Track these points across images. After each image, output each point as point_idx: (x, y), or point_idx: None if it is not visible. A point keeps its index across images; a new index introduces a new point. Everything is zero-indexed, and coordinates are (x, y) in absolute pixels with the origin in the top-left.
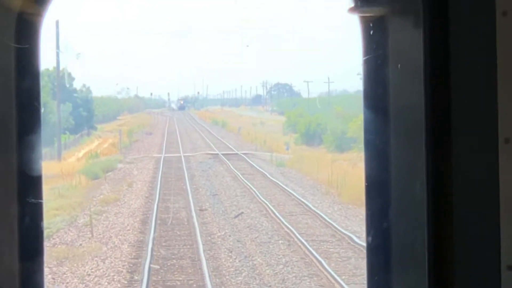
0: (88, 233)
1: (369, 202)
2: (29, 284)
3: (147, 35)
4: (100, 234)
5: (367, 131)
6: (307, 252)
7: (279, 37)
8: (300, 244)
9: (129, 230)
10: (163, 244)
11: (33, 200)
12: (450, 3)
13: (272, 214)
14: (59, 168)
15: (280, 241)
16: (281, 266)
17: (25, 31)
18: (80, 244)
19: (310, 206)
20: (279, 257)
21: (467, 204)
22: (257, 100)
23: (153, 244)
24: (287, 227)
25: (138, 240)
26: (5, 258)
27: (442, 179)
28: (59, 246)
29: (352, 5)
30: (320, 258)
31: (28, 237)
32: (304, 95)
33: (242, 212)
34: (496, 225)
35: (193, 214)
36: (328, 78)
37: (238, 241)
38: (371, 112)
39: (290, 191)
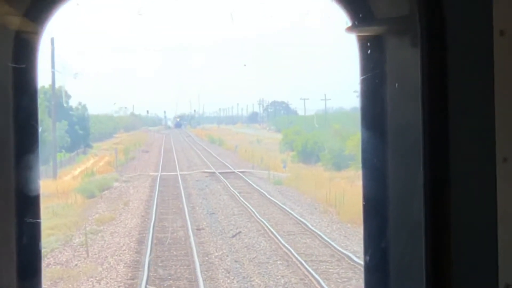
0: (84, 253)
1: (367, 221)
2: None
3: (144, 52)
4: (95, 254)
5: (364, 150)
6: (306, 272)
7: (275, 55)
8: (299, 264)
9: (125, 250)
10: (160, 264)
11: (31, 219)
12: (447, 22)
13: (270, 234)
14: (54, 186)
15: (278, 262)
16: None
17: (22, 50)
18: (76, 264)
19: (309, 225)
20: (277, 278)
21: (464, 223)
22: (253, 117)
23: (149, 264)
24: (286, 247)
25: (134, 260)
26: (3, 277)
27: (440, 199)
28: (54, 266)
29: (350, 24)
30: (319, 279)
31: (26, 257)
32: (301, 112)
33: (240, 232)
34: (494, 244)
35: (190, 233)
36: (325, 95)
37: (236, 261)
38: (369, 131)
39: (288, 210)
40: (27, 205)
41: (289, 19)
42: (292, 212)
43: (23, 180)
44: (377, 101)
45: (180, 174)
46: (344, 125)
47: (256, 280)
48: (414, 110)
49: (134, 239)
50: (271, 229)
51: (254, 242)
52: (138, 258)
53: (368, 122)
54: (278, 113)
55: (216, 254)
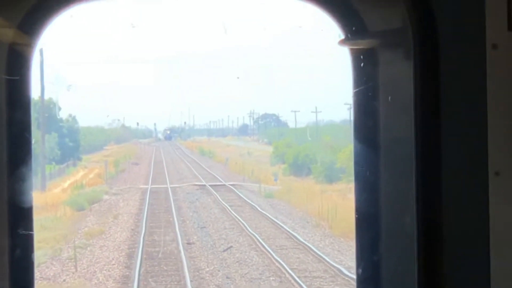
0: (72, 267)
1: (359, 234)
2: None
3: (136, 64)
4: (84, 269)
5: (357, 163)
6: None
7: (266, 67)
8: (292, 280)
9: (114, 264)
10: (150, 279)
11: (24, 231)
12: (440, 36)
13: (262, 248)
14: (43, 199)
15: (271, 278)
16: None
17: (16, 62)
18: (64, 280)
19: (301, 239)
20: None
21: (457, 237)
22: (244, 130)
23: (139, 280)
24: (278, 262)
25: (124, 275)
26: None
27: (433, 212)
28: (41, 281)
29: (343, 37)
30: None
31: (18, 269)
32: (291, 125)
33: (231, 246)
34: (486, 257)
35: (181, 248)
36: (316, 107)
37: (227, 277)
38: (361, 144)
39: (280, 223)
40: (20, 217)
41: (281, 31)
42: (284, 226)
43: (16, 192)
44: (370, 114)
45: (170, 187)
46: (335, 138)
47: None
48: (406, 123)
49: (123, 253)
50: (263, 243)
51: (246, 257)
52: (127, 273)
53: (361, 135)
54: (269, 125)
55: (207, 269)
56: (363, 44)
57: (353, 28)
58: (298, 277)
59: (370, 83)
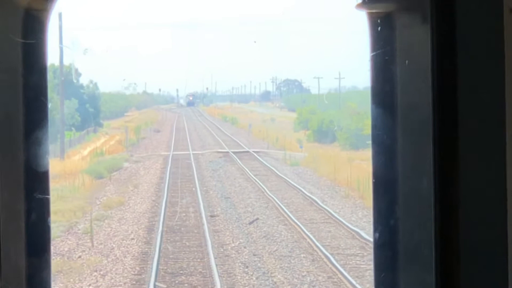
0: (88, 242)
1: (376, 199)
2: (35, 281)
3: (154, 29)
4: (101, 244)
5: (374, 127)
6: (334, 269)
7: (287, 32)
8: (325, 259)
9: (133, 239)
10: (171, 256)
11: (39, 195)
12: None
13: (290, 221)
14: (61, 167)
15: (302, 255)
16: (305, 287)
17: (32, 26)
18: (79, 256)
19: (331, 212)
20: (303, 274)
21: (474, 202)
22: (266, 96)
23: (159, 257)
24: (309, 237)
25: (143, 252)
26: (12, 254)
27: (449, 176)
28: (54, 257)
29: (360, 1)
30: (350, 278)
31: (34, 233)
32: (314, 91)
33: (258, 218)
34: (503, 223)
35: (204, 220)
36: (339, 73)
37: (254, 254)
38: (379, 109)
39: (308, 194)
40: (36, 181)
41: None
42: (313, 197)
43: (32, 156)
44: (387, 78)
45: (192, 154)
46: (360, 104)
47: (279, 276)
48: (424, 87)
49: (143, 226)
50: (291, 216)
51: (274, 231)
52: (147, 249)
53: (378, 99)
54: (291, 92)
55: (232, 245)
56: (380, 8)
57: None
58: (331, 254)
59: (387, 47)
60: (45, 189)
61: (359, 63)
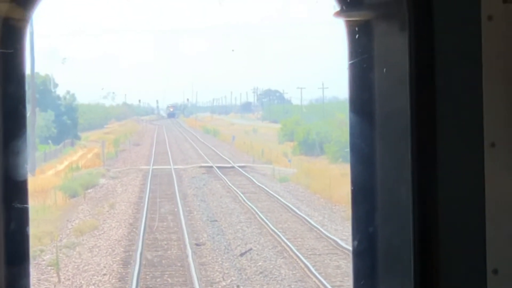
0: (54, 276)
1: (355, 207)
2: None
3: (135, 35)
4: (68, 280)
5: (353, 135)
6: None
7: (267, 41)
8: None
9: (105, 274)
10: None
11: (18, 205)
12: (435, 7)
13: (290, 253)
14: (31, 184)
15: None
16: None
17: (10, 36)
18: None
19: (334, 238)
20: None
21: (452, 209)
22: (247, 107)
23: None
24: (315, 276)
25: None
26: None
27: (428, 184)
28: None
29: (338, 9)
30: None
31: (13, 242)
32: (295, 101)
33: (251, 249)
34: (481, 229)
35: (188, 250)
36: (323, 83)
37: None
38: (357, 116)
39: (304, 216)
40: (14, 190)
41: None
42: (310, 220)
43: (11, 165)
44: (365, 86)
45: (174, 169)
46: (345, 114)
47: None
48: (402, 95)
49: (118, 258)
50: (290, 246)
51: (271, 266)
52: (122, 286)
53: (356, 107)
54: (272, 102)
55: (223, 283)
56: (358, 16)
57: (348, 0)
58: None
59: (365, 55)
60: (23, 199)
61: (341, 72)
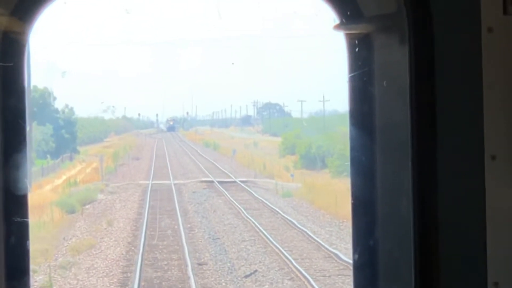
0: None
1: (356, 220)
2: None
3: (134, 47)
4: None
5: (353, 148)
6: None
7: (267, 54)
8: None
9: None
10: None
11: (18, 219)
12: (435, 19)
13: (298, 274)
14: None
15: None
16: None
17: (10, 49)
18: None
19: (343, 257)
20: None
21: (453, 222)
22: (246, 120)
23: None
24: None
25: None
26: None
27: (428, 197)
28: None
29: (337, 22)
30: None
31: (13, 256)
32: (295, 115)
33: (256, 270)
34: (482, 242)
35: (189, 271)
36: (323, 96)
37: None
38: (357, 129)
39: (310, 234)
40: (15, 204)
41: (276, 17)
42: (317, 239)
43: (11, 179)
44: (365, 99)
45: (174, 184)
46: (347, 128)
47: None
48: (402, 107)
49: (115, 280)
50: (297, 266)
51: None
52: None
53: (356, 120)
54: (272, 116)
55: None
56: (358, 28)
57: (348, 13)
58: None
59: (365, 68)
60: (24, 213)
61: (341, 85)
